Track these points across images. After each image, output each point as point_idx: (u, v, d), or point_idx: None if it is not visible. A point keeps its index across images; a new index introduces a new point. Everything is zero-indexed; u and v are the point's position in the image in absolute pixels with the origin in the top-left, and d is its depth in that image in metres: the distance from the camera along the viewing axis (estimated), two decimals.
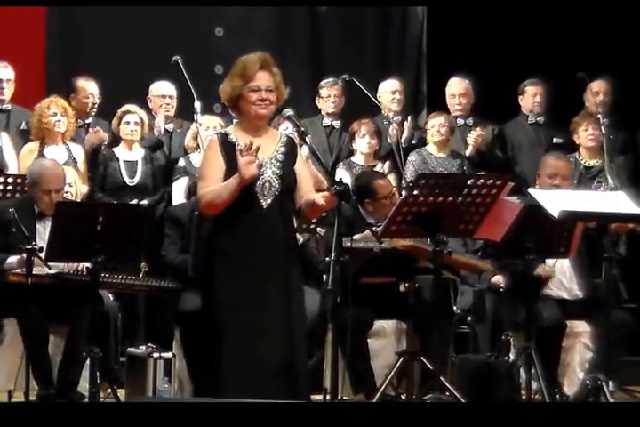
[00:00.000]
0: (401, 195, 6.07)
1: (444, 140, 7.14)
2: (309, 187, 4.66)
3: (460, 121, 7.46)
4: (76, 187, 6.16)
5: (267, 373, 4.46)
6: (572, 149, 7.14)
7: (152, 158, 6.91)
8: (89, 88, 7.07)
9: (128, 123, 6.83)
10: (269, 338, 4.48)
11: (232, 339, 4.46)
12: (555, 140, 7.45)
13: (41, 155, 6.51)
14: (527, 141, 7.49)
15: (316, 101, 7.47)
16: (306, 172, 4.72)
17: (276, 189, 4.55)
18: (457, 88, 7.47)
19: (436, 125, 7.10)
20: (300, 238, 6.04)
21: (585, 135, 7.04)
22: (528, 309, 5.19)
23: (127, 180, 6.80)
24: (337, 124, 7.42)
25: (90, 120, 7.07)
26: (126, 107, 6.88)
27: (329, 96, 7.39)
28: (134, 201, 6.66)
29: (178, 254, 5.58)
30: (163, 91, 7.22)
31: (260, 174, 4.54)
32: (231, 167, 4.54)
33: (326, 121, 7.43)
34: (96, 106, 7.07)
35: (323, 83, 7.45)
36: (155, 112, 7.23)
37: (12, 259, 5.27)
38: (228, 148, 4.57)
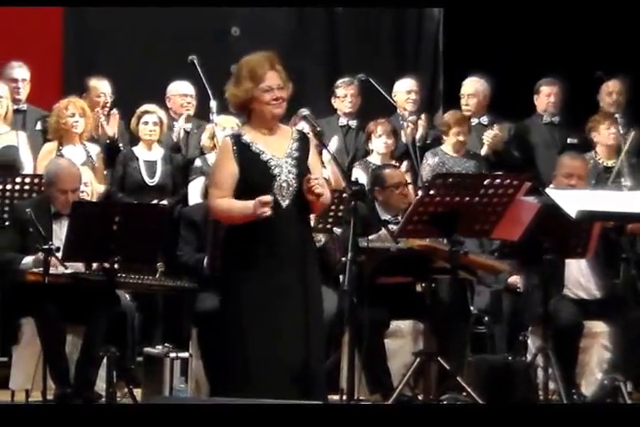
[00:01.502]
0: (417, 195, 6.07)
1: (463, 141, 7.12)
2: (322, 182, 4.64)
3: (475, 120, 7.44)
4: (92, 186, 6.18)
5: (284, 373, 4.45)
6: (587, 149, 7.11)
7: (171, 158, 6.93)
8: (101, 87, 7.09)
9: (147, 123, 6.84)
10: (287, 338, 4.47)
11: (249, 339, 4.46)
12: (569, 140, 7.43)
13: (59, 155, 6.53)
14: (541, 141, 7.47)
15: (332, 101, 7.47)
16: (318, 168, 4.70)
17: (294, 189, 4.54)
18: (466, 88, 7.47)
19: (461, 134, 7.05)
20: (322, 239, 6.06)
21: (607, 133, 7.02)
22: (545, 309, 5.18)
23: (147, 180, 6.81)
24: (353, 123, 7.41)
25: (102, 120, 7.07)
26: (145, 107, 6.89)
27: (345, 96, 7.38)
28: (154, 201, 6.68)
29: (192, 254, 5.58)
30: (183, 90, 7.24)
31: (277, 175, 4.53)
32: (244, 170, 4.52)
33: (342, 121, 7.43)
34: (108, 105, 7.08)
35: (339, 82, 7.44)
36: (174, 111, 7.24)
37: (28, 259, 5.29)
38: (241, 149, 4.55)
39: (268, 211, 4.40)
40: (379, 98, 7.22)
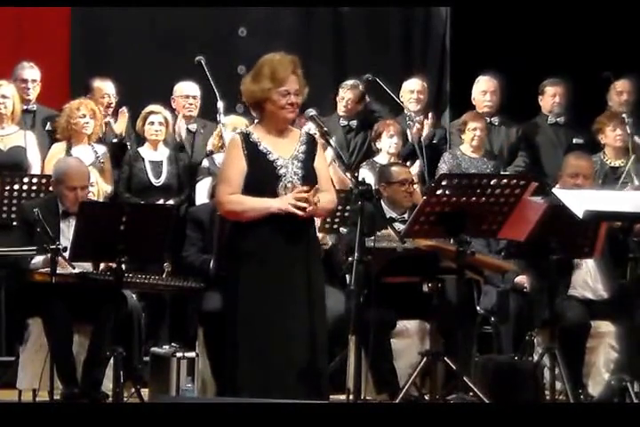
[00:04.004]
0: (425, 194, 6.07)
1: (481, 143, 7.12)
2: (328, 185, 4.66)
3: (486, 119, 7.42)
4: (98, 186, 6.20)
5: (288, 373, 4.46)
6: (593, 149, 7.10)
7: (177, 158, 6.95)
8: (105, 88, 7.10)
9: (152, 123, 6.87)
10: (291, 337, 4.48)
11: (254, 339, 4.46)
12: (575, 140, 7.42)
13: (68, 155, 6.54)
14: (547, 142, 7.46)
15: (337, 99, 7.47)
16: (325, 170, 4.72)
17: None
18: (487, 85, 7.43)
19: (477, 129, 7.05)
20: (329, 242, 6.07)
21: (613, 135, 7.01)
22: (552, 309, 5.17)
23: (153, 180, 6.83)
24: (354, 123, 7.42)
25: (107, 120, 7.07)
26: (150, 107, 6.92)
27: (342, 98, 7.42)
28: (160, 201, 6.69)
29: (198, 256, 5.59)
30: (186, 91, 7.25)
31: (283, 175, 4.54)
32: (251, 168, 4.53)
33: (343, 121, 7.44)
34: (112, 105, 7.09)
35: (343, 84, 7.47)
36: (178, 112, 7.25)
37: (38, 259, 5.30)
38: (250, 147, 4.56)
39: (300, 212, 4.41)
40: (386, 98, 7.23)
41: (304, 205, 4.44)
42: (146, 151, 6.91)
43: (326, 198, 4.59)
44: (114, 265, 5.15)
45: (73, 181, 5.44)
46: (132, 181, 6.83)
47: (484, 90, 7.44)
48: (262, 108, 4.59)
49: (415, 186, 6.11)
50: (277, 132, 4.61)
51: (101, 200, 6.22)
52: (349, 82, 7.43)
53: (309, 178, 4.57)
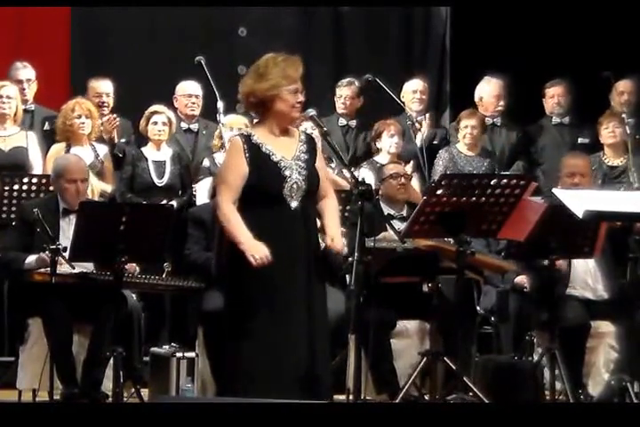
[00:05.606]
0: (425, 194, 6.08)
1: (475, 142, 7.12)
2: (328, 185, 4.67)
3: (489, 120, 7.42)
4: (92, 187, 6.18)
5: (289, 373, 4.46)
6: (599, 148, 7.11)
7: (180, 158, 6.95)
8: (98, 87, 7.09)
9: (156, 123, 6.86)
10: (292, 338, 4.48)
11: (255, 339, 4.46)
12: (580, 140, 7.42)
13: None
14: (551, 143, 7.46)
15: (335, 99, 7.48)
16: (324, 169, 4.74)
17: (303, 190, 4.54)
18: (496, 88, 7.41)
19: (469, 127, 7.06)
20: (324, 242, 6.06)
21: (605, 133, 7.02)
22: (552, 309, 5.18)
23: (156, 180, 6.83)
24: (353, 123, 7.42)
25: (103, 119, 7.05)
26: (154, 107, 6.91)
27: (340, 96, 7.42)
28: (163, 201, 6.69)
29: (202, 253, 5.58)
30: (189, 90, 7.25)
31: (288, 176, 4.53)
32: (256, 170, 4.51)
33: (342, 121, 7.44)
34: (105, 104, 7.07)
35: (339, 82, 7.47)
36: (180, 112, 7.25)
37: (32, 258, 5.30)
38: (252, 150, 4.54)
39: (259, 261, 4.39)
40: (386, 98, 7.23)
41: (261, 257, 4.39)
42: (149, 151, 6.91)
43: (332, 208, 4.61)
44: (136, 268, 5.18)
45: (73, 173, 5.44)
46: (135, 181, 6.83)
47: (497, 94, 7.41)
48: (268, 108, 4.56)
49: (414, 183, 6.13)
50: (279, 131, 4.60)
51: (97, 199, 6.21)
52: (344, 80, 7.43)
53: (312, 177, 4.57)
